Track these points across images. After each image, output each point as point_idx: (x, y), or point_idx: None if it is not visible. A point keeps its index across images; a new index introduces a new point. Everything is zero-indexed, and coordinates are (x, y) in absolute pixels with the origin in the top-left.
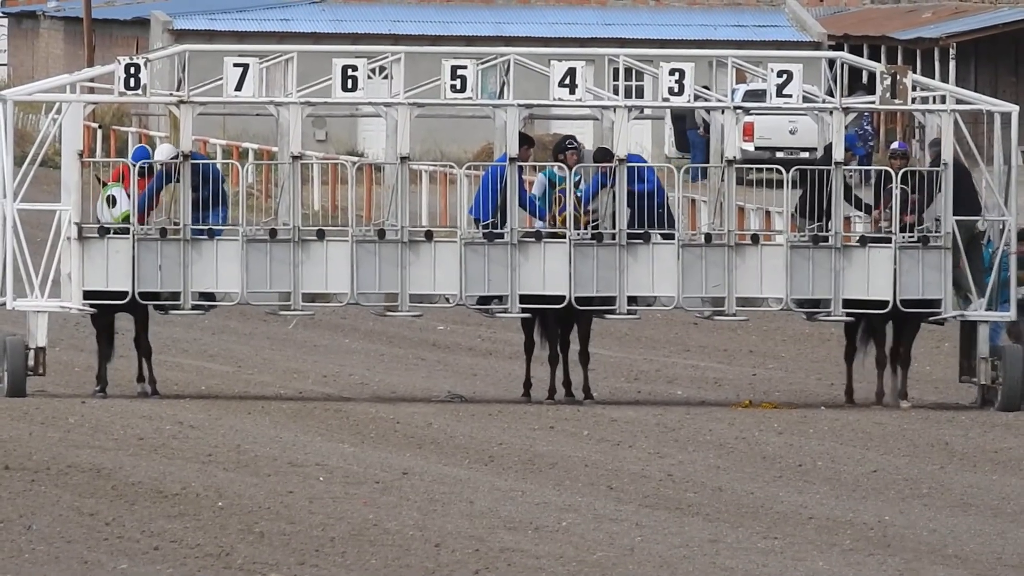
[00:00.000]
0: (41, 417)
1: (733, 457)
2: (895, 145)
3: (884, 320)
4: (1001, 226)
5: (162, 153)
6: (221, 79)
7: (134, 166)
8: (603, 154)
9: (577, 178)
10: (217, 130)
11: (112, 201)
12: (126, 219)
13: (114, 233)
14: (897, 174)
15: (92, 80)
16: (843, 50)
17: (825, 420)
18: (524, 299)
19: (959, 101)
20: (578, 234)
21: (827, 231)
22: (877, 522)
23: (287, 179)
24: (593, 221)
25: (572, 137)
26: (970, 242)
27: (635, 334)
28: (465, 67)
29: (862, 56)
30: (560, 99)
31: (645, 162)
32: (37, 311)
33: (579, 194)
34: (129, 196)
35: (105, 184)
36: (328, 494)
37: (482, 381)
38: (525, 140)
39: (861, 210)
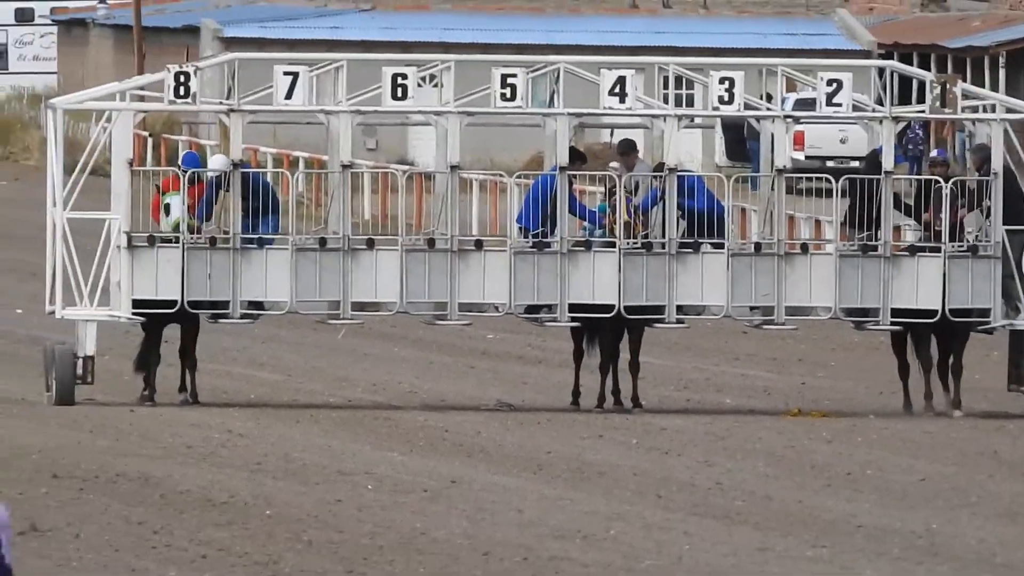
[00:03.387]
0: (90, 425)
1: (782, 466)
2: (934, 153)
3: (931, 329)
4: None
5: (216, 163)
6: (271, 87)
7: (184, 172)
8: (660, 168)
9: (631, 187)
10: (267, 139)
11: (167, 209)
12: (177, 227)
13: (164, 242)
14: (947, 183)
15: (142, 88)
16: (893, 58)
17: (874, 429)
18: (573, 308)
19: (1009, 110)
20: (628, 243)
21: (876, 240)
22: (926, 531)
23: (337, 188)
24: (644, 232)
25: (632, 141)
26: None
27: (684, 343)
28: (515, 75)
29: (912, 64)
30: (610, 108)
31: (696, 178)
32: (86, 320)
33: (637, 203)
34: (183, 202)
35: (164, 192)
36: (377, 503)
37: (531, 389)
38: (577, 156)
39: (911, 216)
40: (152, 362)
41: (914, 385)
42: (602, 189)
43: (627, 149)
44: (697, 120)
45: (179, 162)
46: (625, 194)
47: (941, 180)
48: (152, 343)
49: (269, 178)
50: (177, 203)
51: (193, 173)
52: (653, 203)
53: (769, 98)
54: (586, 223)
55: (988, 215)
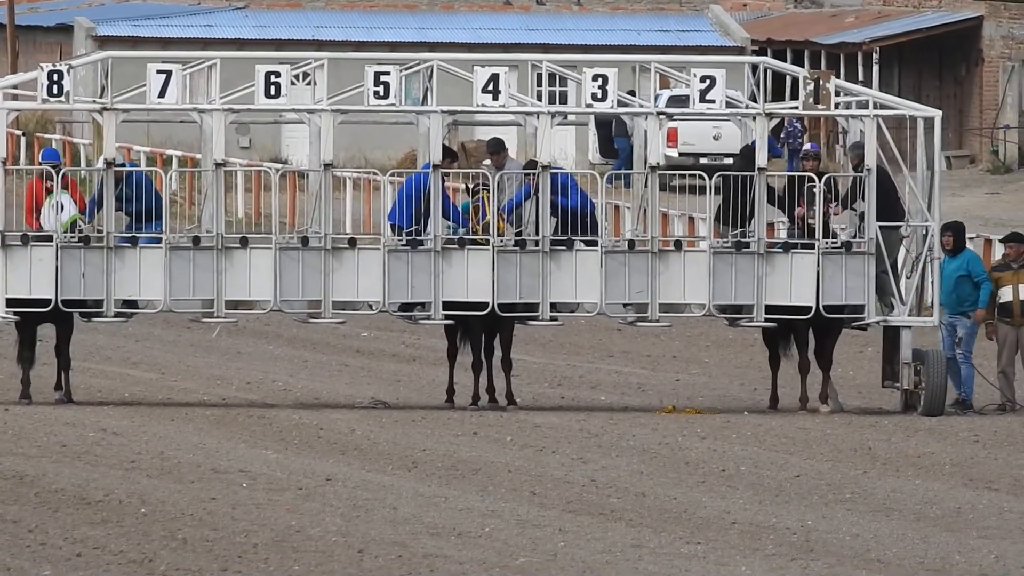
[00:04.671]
0: None
1: (656, 462)
2: (807, 147)
3: (806, 326)
4: (924, 231)
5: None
6: (144, 86)
7: (56, 168)
8: (531, 166)
9: (501, 185)
10: (141, 137)
11: (60, 207)
12: (73, 224)
13: (39, 240)
14: (819, 177)
15: (15, 87)
16: (766, 55)
17: (748, 425)
18: (447, 305)
19: (882, 106)
20: (501, 241)
21: (750, 237)
22: (800, 527)
23: (210, 186)
24: (517, 230)
25: (501, 140)
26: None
27: (559, 340)
28: (388, 73)
29: (785, 61)
30: (483, 105)
31: (568, 176)
32: None
33: (501, 207)
34: (75, 202)
35: (50, 191)
36: (251, 500)
37: (405, 387)
38: (448, 153)
39: (784, 211)
40: (26, 361)
41: (784, 381)
42: (465, 187)
43: (497, 148)
44: (570, 117)
45: (40, 159)
46: (487, 194)
47: (814, 175)
48: (26, 342)
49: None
50: (69, 200)
51: (50, 172)
52: (527, 198)
53: (632, 93)
54: (450, 222)
55: (863, 219)
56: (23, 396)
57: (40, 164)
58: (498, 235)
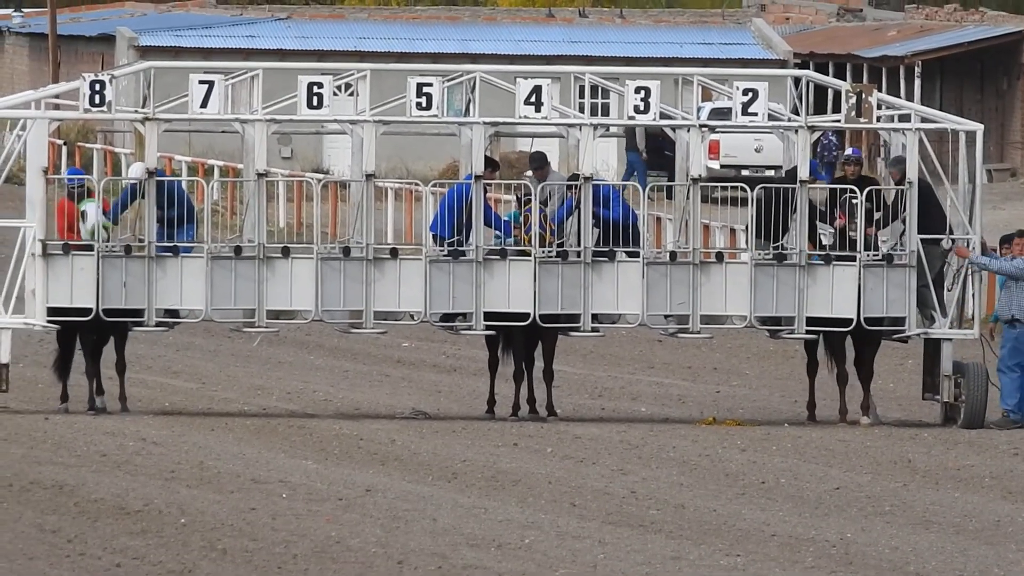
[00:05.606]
0: (3, 433)
1: (696, 474)
2: (848, 151)
3: (845, 337)
4: (966, 244)
5: (135, 171)
6: (186, 96)
7: (76, 188)
8: (574, 179)
9: (544, 197)
10: (183, 147)
11: (84, 216)
12: (94, 234)
13: (80, 249)
14: (860, 188)
15: (57, 96)
16: (809, 68)
17: (788, 437)
18: (489, 316)
19: (924, 120)
20: (543, 252)
21: (789, 249)
22: (839, 539)
23: (252, 196)
24: (559, 241)
25: (543, 154)
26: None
27: (599, 351)
28: (431, 84)
29: (828, 74)
30: (526, 117)
31: (611, 187)
32: (1, 328)
33: (547, 212)
34: (106, 212)
35: (80, 199)
36: (291, 511)
37: (446, 398)
38: (489, 164)
39: (826, 223)
40: (91, 372)
41: (824, 392)
42: (516, 197)
43: (540, 164)
44: (612, 129)
45: (66, 180)
46: (539, 206)
47: (855, 188)
48: (67, 351)
49: (185, 187)
50: (93, 209)
51: (75, 191)
52: (568, 214)
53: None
54: (498, 232)
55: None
56: (91, 407)
57: (69, 185)
58: (547, 246)
